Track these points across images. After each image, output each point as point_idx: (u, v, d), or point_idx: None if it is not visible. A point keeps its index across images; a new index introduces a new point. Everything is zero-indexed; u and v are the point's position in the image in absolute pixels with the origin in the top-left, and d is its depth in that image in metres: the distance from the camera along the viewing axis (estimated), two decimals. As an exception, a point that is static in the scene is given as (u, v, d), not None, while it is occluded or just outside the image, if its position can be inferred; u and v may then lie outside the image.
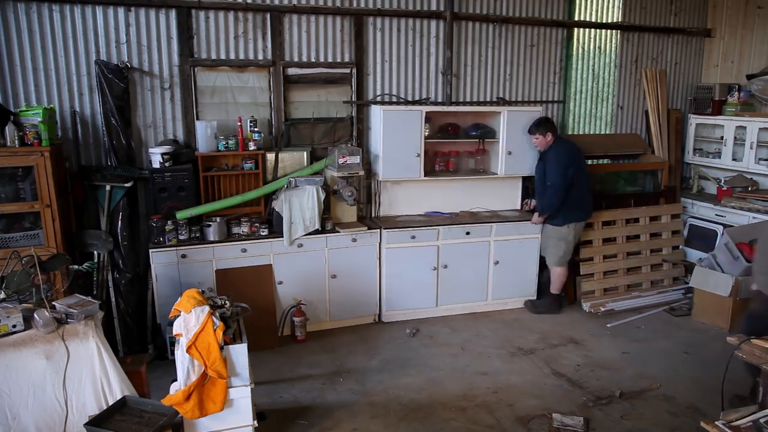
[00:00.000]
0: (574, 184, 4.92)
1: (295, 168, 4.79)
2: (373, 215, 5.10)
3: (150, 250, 4.19)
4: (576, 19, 5.80)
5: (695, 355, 4.40)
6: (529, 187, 5.44)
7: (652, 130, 6.16)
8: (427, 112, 4.91)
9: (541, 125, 4.97)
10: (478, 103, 5.55)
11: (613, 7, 5.98)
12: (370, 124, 5.19)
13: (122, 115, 4.30)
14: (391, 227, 4.80)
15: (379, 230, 4.76)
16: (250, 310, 3.21)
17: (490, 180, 5.34)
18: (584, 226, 5.20)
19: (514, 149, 5.11)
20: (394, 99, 5.23)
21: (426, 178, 4.97)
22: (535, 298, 5.34)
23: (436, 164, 5.18)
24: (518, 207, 5.44)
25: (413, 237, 4.84)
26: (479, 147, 5.25)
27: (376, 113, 4.88)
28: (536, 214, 5.09)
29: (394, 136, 4.77)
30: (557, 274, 5.17)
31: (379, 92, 5.18)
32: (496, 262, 5.12)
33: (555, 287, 5.22)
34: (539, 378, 4.06)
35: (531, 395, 3.81)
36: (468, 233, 4.98)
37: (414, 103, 5.29)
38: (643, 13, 6.10)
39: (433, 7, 5.18)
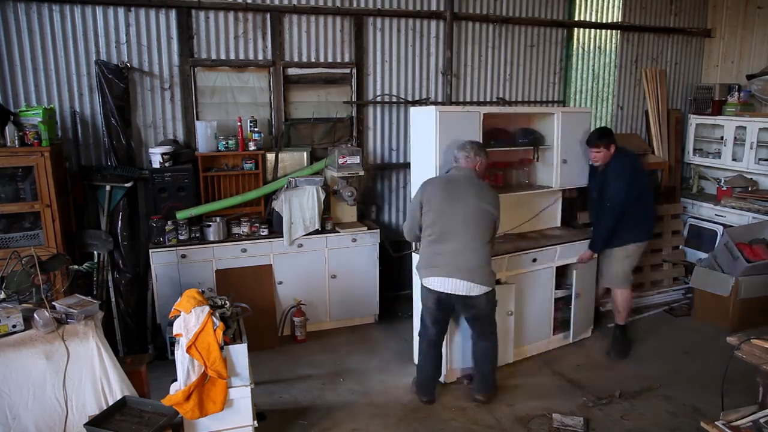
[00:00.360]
0: (636, 201, 4.22)
1: (295, 168, 4.79)
2: (416, 247, 3.95)
3: (150, 250, 4.19)
4: (576, 19, 5.80)
5: (695, 355, 4.40)
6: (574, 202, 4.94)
7: (652, 130, 6.16)
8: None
9: (604, 136, 4.23)
10: (527, 103, 5.55)
11: (613, 7, 5.99)
12: (369, 125, 5.20)
13: (122, 115, 4.30)
14: None
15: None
16: (250, 310, 3.20)
17: (531, 195, 4.50)
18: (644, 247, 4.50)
19: (568, 156, 4.35)
20: (395, 99, 5.23)
21: None
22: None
23: (486, 179, 4.08)
24: (558, 224, 4.72)
25: None
26: (533, 155, 4.42)
27: (426, 116, 3.85)
28: (587, 252, 4.34)
29: (449, 144, 3.76)
30: (622, 299, 4.39)
31: (379, 92, 5.18)
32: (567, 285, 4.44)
33: (621, 317, 4.42)
34: (539, 378, 4.06)
35: (531, 395, 3.81)
36: (535, 260, 4.18)
37: (415, 103, 5.29)
38: (643, 13, 6.10)
39: (433, 7, 5.18)
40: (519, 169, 4.57)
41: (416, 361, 3.84)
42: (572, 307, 4.41)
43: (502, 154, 4.32)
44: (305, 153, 4.84)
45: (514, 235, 4.43)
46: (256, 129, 4.59)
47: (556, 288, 4.38)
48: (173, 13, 4.44)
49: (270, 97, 4.85)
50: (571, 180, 4.47)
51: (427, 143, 3.85)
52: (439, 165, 3.74)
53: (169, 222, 4.24)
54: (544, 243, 4.27)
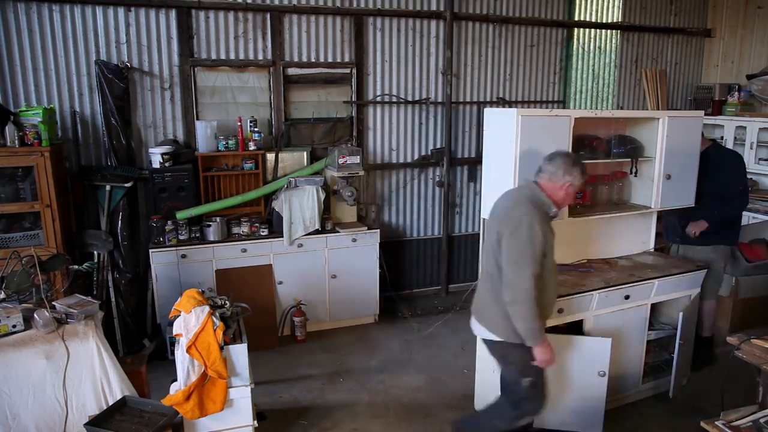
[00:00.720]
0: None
1: (295, 168, 4.79)
2: None
3: (150, 250, 4.19)
4: (576, 19, 5.80)
5: (695, 355, 4.39)
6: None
7: (652, 130, 6.17)
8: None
9: None
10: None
11: (613, 7, 5.99)
12: (369, 125, 5.20)
13: (122, 115, 4.30)
14: None
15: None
16: (250, 310, 3.20)
17: (622, 216, 3.80)
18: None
19: (673, 170, 3.66)
20: (395, 99, 5.23)
21: (570, 219, 3.40)
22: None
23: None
24: (651, 248, 4.03)
25: (561, 310, 3.24)
26: (630, 169, 3.73)
27: (503, 119, 3.19)
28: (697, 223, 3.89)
29: (531, 156, 3.08)
30: (709, 310, 4.10)
31: (379, 92, 5.18)
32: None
33: (708, 328, 4.15)
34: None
35: (531, 395, 3.78)
36: (627, 297, 3.45)
37: (415, 103, 5.29)
38: (643, 13, 6.10)
39: (433, 7, 5.18)
40: (609, 185, 3.83)
41: None
42: (675, 355, 3.57)
43: (590, 167, 3.58)
44: (305, 153, 4.84)
45: (599, 262, 3.75)
46: (256, 129, 4.59)
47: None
48: (173, 13, 4.44)
49: (270, 97, 4.85)
50: (674, 199, 3.73)
51: (503, 149, 3.18)
52: (517, 175, 3.11)
53: (169, 222, 4.24)
54: (639, 276, 3.52)
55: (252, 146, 4.54)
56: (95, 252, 4.27)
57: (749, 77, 5.96)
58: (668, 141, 3.59)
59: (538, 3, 5.58)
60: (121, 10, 4.29)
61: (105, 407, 2.73)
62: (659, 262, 3.83)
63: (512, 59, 5.61)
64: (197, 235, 4.34)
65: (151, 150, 4.36)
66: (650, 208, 3.70)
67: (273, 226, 4.57)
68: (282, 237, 4.46)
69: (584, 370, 3.18)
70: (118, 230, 4.31)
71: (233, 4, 4.56)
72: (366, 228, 4.75)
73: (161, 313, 4.23)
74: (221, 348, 2.79)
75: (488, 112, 3.36)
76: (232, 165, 4.63)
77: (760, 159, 5.56)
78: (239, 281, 4.31)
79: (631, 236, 3.96)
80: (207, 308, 2.86)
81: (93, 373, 2.77)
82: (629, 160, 3.69)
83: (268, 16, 4.70)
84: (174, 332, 2.86)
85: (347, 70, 5.05)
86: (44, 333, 2.72)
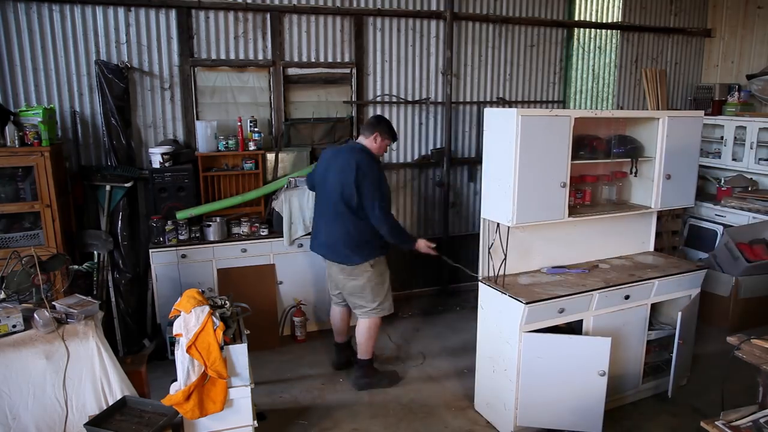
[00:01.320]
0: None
1: (295, 168, 4.79)
2: (491, 274, 3.42)
3: (150, 250, 4.19)
4: (576, 19, 5.81)
5: (695, 355, 4.39)
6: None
7: (652, 130, 6.17)
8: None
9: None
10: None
11: (613, 7, 5.99)
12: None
13: (122, 115, 4.30)
14: (532, 300, 3.12)
15: (511, 299, 3.18)
16: (250, 310, 3.20)
17: (622, 216, 3.80)
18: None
19: (673, 171, 3.67)
20: (395, 99, 5.23)
21: (570, 218, 3.35)
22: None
23: (572, 196, 3.55)
24: (651, 248, 4.04)
25: (562, 310, 3.26)
26: (630, 169, 3.72)
27: (503, 119, 3.14)
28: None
29: (531, 156, 3.11)
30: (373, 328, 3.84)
31: (379, 92, 5.18)
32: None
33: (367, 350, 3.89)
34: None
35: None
36: (627, 297, 3.46)
37: (415, 103, 5.29)
38: (643, 13, 6.11)
39: (433, 7, 5.19)
40: (609, 185, 3.84)
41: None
42: (674, 355, 3.59)
43: (591, 166, 3.69)
44: (305, 153, 4.84)
45: (600, 262, 3.78)
46: (256, 129, 4.59)
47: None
48: (173, 13, 4.44)
49: (270, 97, 4.85)
50: (674, 199, 3.75)
51: (503, 149, 3.15)
52: (517, 175, 3.09)
53: (169, 222, 4.24)
54: (639, 276, 3.53)
55: (252, 146, 4.55)
56: (95, 252, 4.27)
57: (749, 77, 5.96)
58: (668, 141, 3.59)
59: (538, 3, 5.58)
60: (121, 10, 4.29)
61: (105, 407, 2.73)
62: (659, 262, 3.82)
63: (512, 59, 5.61)
64: (197, 235, 4.34)
65: (151, 150, 4.36)
66: (650, 208, 3.70)
67: (273, 226, 4.57)
68: (282, 237, 4.46)
69: (584, 369, 3.18)
70: (118, 230, 4.31)
71: (233, 4, 4.56)
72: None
73: (161, 313, 4.23)
74: (221, 348, 2.79)
75: (488, 112, 3.33)
76: (232, 165, 4.63)
77: (760, 159, 5.56)
78: (239, 281, 4.31)
79: (631, 236, 3.95)
80: (207, 308, 2.86)
81: (93, 373, 2.77)
82: (629, 160, 3.68)
83: (268, 16, 4.70)
84: (174, 332, 2.85)
85: (347, 70, 5.05)
86: (44, 333, 2.72)
